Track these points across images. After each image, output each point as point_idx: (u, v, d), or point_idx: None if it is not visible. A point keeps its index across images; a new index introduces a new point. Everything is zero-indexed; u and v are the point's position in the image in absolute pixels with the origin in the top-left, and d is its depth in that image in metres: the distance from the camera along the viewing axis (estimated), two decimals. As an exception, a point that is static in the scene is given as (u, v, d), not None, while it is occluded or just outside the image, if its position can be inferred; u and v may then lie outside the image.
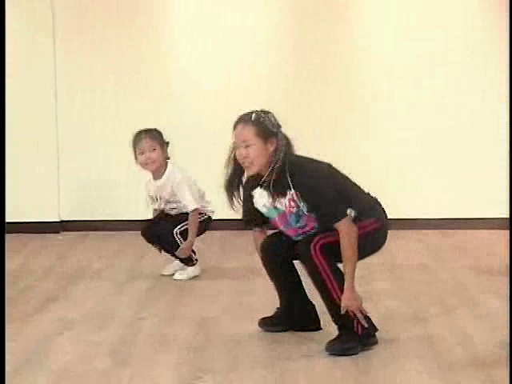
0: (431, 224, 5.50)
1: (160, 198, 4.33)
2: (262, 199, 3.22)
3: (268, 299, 3.45)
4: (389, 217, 5.38)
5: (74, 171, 5.64)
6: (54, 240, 5.44)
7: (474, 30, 5.48)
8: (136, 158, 4.27)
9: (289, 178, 3.11)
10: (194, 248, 4.34)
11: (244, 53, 5.49)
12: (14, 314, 3.65)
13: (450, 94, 5.51)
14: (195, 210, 4.26)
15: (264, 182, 3.15)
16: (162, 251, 4.40)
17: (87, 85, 5.55)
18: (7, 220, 5.42)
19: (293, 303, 3.35)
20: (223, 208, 5.27)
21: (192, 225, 4.26)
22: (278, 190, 3.13)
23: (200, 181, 4.41)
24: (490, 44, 5.43)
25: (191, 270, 4.35)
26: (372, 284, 4.14)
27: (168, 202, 4.33)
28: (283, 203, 3.17)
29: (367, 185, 5.39)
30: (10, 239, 5.33)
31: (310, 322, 3.36)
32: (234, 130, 3.18)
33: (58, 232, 5.60)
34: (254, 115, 3.16)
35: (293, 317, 3.35)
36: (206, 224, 4.39)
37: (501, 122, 5.36)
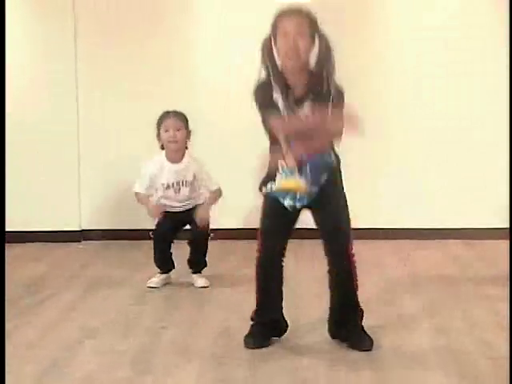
0: (453, 234, 5.46)
1: (181, 184, 4.31)
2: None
3: (287, 308, 3.42)
4: (410, 227, 5.50)
5: (95, 180, 5.65)
6: (75, 249, 5.45)
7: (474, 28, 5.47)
8: (159, 135, 4.29)
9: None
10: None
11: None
12: (35, 323, 3.67)
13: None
14: (217, 189, 4.35)
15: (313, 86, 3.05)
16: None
17: (109, 95, 5.57)
18: (28, 229, 5.55)
19: (281, 310, 3.35)
20: (243, 217, 5.35)
21: (212, 199, 4.34)
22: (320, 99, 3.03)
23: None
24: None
25: (207, 276, 4.38)
26: (394, 295, 4.11)
27: (191, 184, 4.31)
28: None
29: (387, 193, 5.46)
30: (30, 248, 5.40)
31: (286, 325, 3.37)
32: (281, 18, 3.05)
33: (78, 241, 5.62)
34: (305, 8, 3.06)
35: (282, 326, 3.35)
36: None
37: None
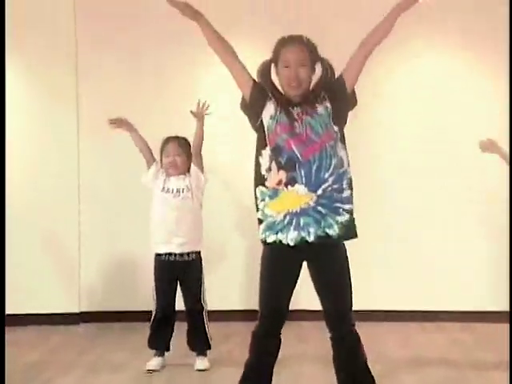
0: (454, 316, 5.46)
1: (181, 191, 4.32)
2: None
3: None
4: (410, 309, 5.49)
5: (95, 261, 5.66)
6: (73, 332, 5.41)
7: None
8: (161, 161, 4.37)
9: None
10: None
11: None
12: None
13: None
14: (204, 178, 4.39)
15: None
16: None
17: (109, 172, 5.64)
18: (26, 312, 5.51)
19: None
20: (245, 299, 5.33)
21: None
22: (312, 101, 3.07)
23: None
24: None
25: (208, 357, 4.35)
26: (394, 379, 4.07)
27: (182, 191, 4.32)
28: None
29: (386, 275, 5.47)
30: (29, 331, 5.35)
31: None
32: (283, 49, 3.11)
33: (77, 323, 5.59)
34: (305, 37, 3.13)
35: None
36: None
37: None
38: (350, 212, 3.07)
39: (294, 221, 3.03)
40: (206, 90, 5.48)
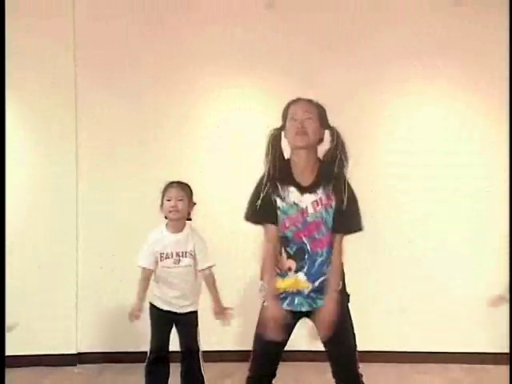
0: (453, 358, 5.41)
1: (181, 255, 4.28)
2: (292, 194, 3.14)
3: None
4: (409, 350, 5.43)
5: (93, 301, 5.62)
6: (70, 373, 5.35)
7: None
8: (162, 204, 4.32)
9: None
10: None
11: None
12: None
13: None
14: (211, 266, 4.29)
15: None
16: None
17: (108, 215, 5.61)
18: (23, 353, 5.46)
19: None
20: (242, 338, 5.30)
21: (212, 284, 4.29)
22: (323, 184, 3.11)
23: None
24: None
25: None
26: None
27: (191, 256, 4.27)
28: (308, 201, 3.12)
29: (386, 316, 5.43)
30: (25, 373, 5.29)
31: None
32: (291, 106, 3.19)
33: (74, 365, 5.53)
34: (315, 100, 3.20)
35: None
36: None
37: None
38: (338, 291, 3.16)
39: (289, 298, 3.19)
40: (205, 133, 5.58)
